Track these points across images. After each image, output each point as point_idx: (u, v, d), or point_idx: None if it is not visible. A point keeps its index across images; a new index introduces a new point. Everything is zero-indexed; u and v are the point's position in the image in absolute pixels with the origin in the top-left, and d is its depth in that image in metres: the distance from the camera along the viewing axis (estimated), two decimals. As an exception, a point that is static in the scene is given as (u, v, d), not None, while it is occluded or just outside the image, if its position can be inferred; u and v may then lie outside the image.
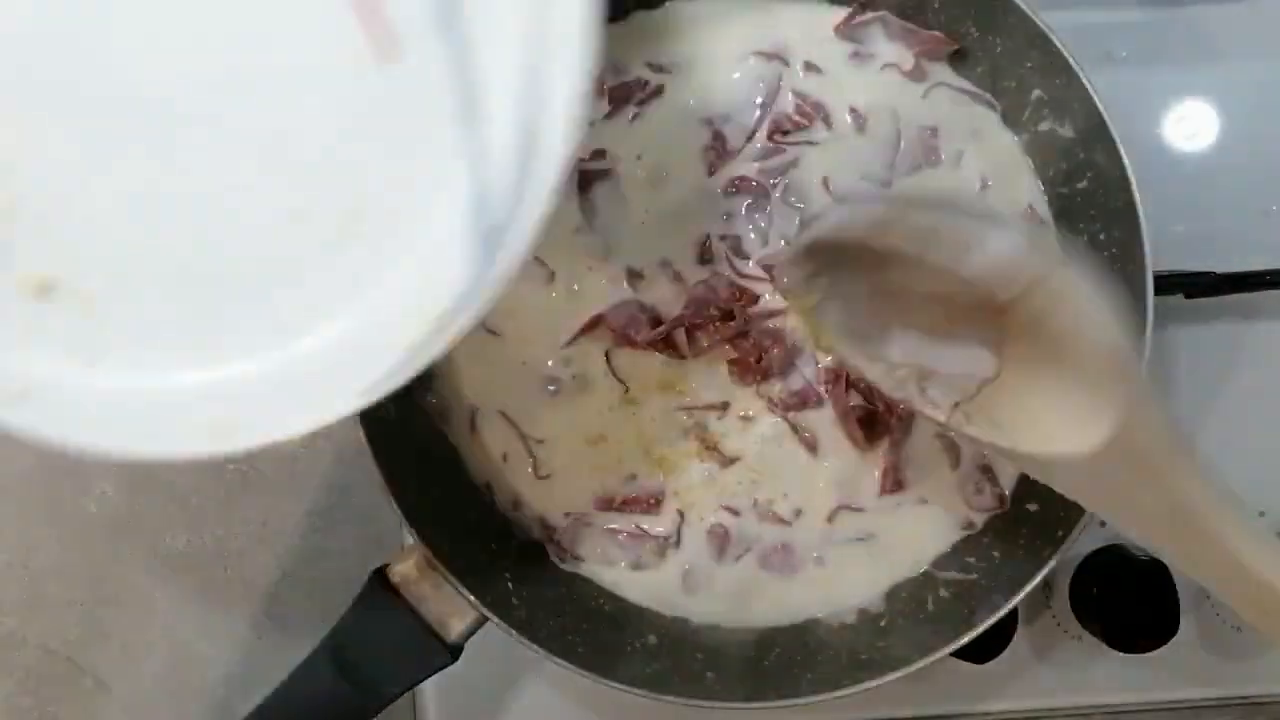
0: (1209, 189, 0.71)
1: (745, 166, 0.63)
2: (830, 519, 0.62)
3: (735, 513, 0.62)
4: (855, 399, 0.61)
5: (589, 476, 0.63)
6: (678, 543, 0.62)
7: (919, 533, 0.62)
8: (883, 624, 0.62)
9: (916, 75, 0.63)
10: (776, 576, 0.62)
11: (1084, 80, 0.58)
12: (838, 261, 0.50)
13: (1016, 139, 0.63)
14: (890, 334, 0.49)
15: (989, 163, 0.63)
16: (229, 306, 0.39)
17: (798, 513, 0.62)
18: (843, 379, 0.61)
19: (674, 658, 0.61)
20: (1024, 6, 0.58)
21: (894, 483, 0.61)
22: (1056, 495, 0.60)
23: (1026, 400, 0.46)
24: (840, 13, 0.63)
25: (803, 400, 0.62)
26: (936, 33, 0.63)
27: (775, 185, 0.62)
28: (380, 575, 0.59)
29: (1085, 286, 0.43)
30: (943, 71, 0.63)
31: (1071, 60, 0.58)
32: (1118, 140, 0.57)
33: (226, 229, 0.39)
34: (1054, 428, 0.45)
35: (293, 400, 0.38)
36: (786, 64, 0.63)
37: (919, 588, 0.62)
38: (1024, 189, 0.63)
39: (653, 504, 0.62)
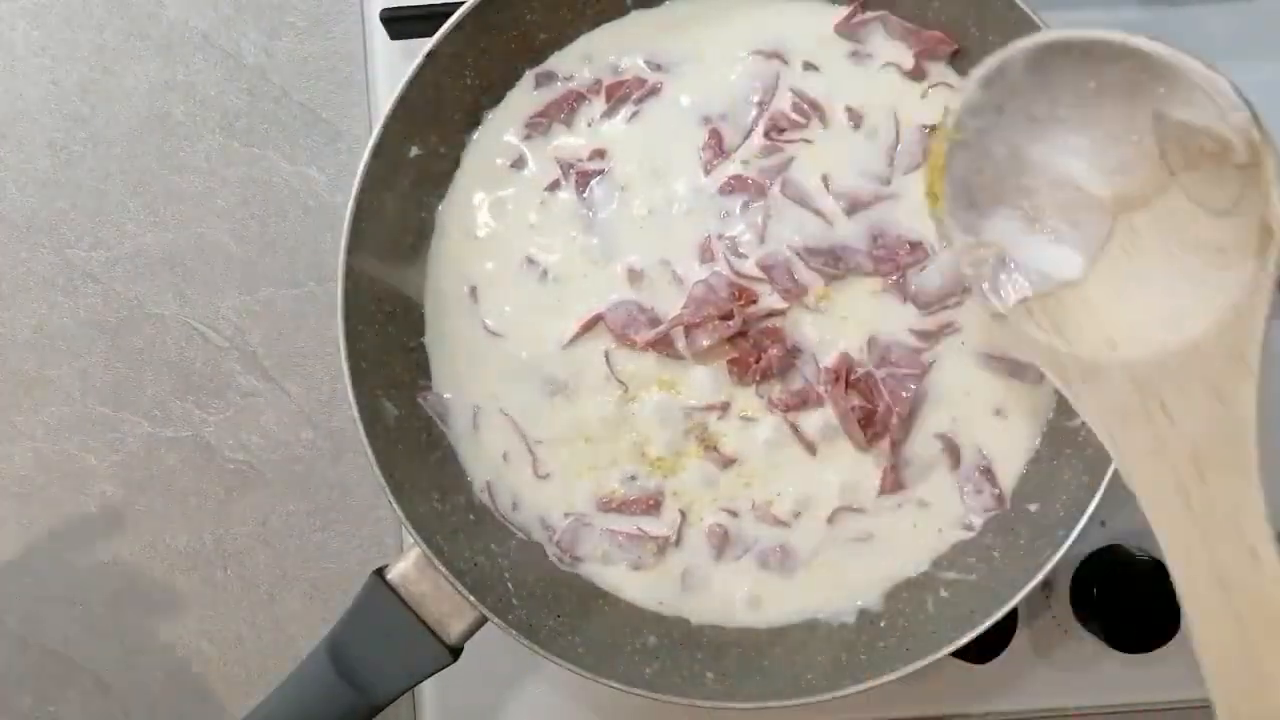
0: (1209, 188, 0.70)
1: (742, 165, 0.63)
2: (830, 520, 0.62)
3: (734, 514, 0.62)
4: (855, 399, 0.61)
5: (589, 477, 0.63)
6: (677, 543, 0.62)
7: (919, 533, 0.62)
8: (883, 624, 0.61)
9: (916, 75, 0.63)
10: (776, 577, 0.62)
11: (1084, 80, 0.57)
12: (1023, 90, 0.48)
13: (1016, 138, 0.63)
14: (997, 209, 0.48)
15: (989, 162, 0.63)
16: None
17: (797, 514, 0.62)
18: (843, 379, 0.61)
19: (674, 658, 0.61)
20: (1024, 6, 0.58)
21: (894, 483, 0.61)
22: (1056, 495, 0.60)
23: (1110, 303, 0.46)
24: (840, 11, 0.63)
25: (803, 400, 0.62)
26: (937, 32, 0.63)
27: (772, 184, 0.63)
28: (380, 575, 0.59)
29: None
30: (943, 71, 0.63)
31: (1071, 60, 0.58)
32: (1118, 140, 0.57)
33: None
34: (1138, 328, 0.45)
35: None
36: (785, 62, 0.63)
37: (919, 588, 0.62)
38: (1024, 188, 0.63)
39: (652, 504, 0.62)
